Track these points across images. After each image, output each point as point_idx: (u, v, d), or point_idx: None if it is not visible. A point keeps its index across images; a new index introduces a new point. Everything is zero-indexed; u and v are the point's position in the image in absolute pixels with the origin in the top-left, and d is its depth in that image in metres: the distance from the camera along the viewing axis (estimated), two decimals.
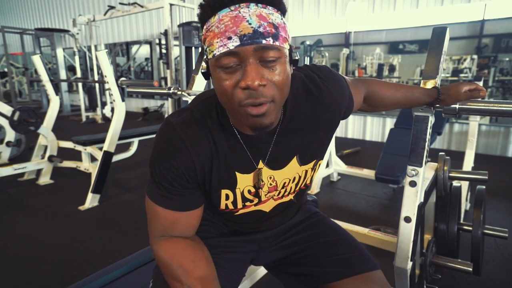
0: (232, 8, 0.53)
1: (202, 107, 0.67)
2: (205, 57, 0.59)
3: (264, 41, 0.53)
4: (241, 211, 0.76)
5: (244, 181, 0.71)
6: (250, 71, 0.53)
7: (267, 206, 0.78)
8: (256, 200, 0.74)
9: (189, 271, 0.65)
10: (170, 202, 0.67)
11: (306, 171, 0.77)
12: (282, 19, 0.57)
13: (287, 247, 0.87)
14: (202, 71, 0.62)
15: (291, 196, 0.80)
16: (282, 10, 0.58)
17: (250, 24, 0.52)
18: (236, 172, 0.69)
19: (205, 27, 0.57)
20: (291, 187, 0.77)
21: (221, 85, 0.56)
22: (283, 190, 0.76)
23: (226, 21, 0.53)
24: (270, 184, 0.73)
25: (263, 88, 0.54)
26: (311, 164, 0.76)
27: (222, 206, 0.73)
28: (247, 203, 0.74)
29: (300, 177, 0.76)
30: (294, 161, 0.73)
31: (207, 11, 0.55)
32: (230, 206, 0.73)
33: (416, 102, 0.99)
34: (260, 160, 0.70)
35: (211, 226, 0.86)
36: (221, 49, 0.53)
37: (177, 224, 0.69)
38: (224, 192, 0.71)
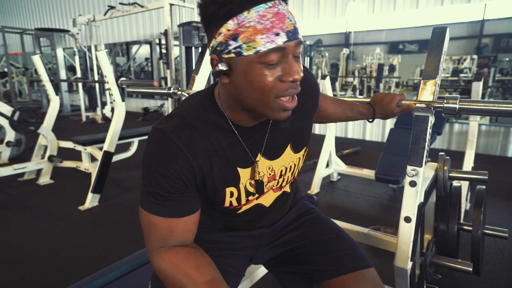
0: (270, 4, 0.54)
1: (192, 111, 0.67)
2: (226, 55, 0.56)
3: (299, 37, 0.57)
4: (244, 208, 0.77)
5: (246, 175, 0.72)
6: (295, 65, 0.57)
7: (267, 200, 0.79)
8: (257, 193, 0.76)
9: (194, 278, 0.63)
10: (166, 209, 0.65)
11: (299, 159, 0.80)
12: None
13: (284, 244, 0.89)
14: (223, 68, 0.57)
15: (287, 187, 0.83)
16: None
17: (290, 20, 0.55)
18: (238, 168, 0.70)
19: (233, 22, 0.53)
20: (288, 176, 0.79)
21: (262, 80, 0.56)
22: (281, 180, 0.78)
23: (269, 17, 0.53)
24: (270, 174, 0.75)
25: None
26: (302, 152, 0.80)
27: (226, 204, 0.73)
28: (250, 197, 0.75)
29: (295, 165, 0.80)
30: (289, 149, 0.76)
31: (244, 6, 0.53)
32: (234, 203, 0.74)
33: (357, 118, 1.05)
34: (259, 153, 0.72)
35: (208, 229, 0.86)
36: (268, 45, 0.53)
37: (176, 232, 0.67)
38: (228, 190, 0.71)
